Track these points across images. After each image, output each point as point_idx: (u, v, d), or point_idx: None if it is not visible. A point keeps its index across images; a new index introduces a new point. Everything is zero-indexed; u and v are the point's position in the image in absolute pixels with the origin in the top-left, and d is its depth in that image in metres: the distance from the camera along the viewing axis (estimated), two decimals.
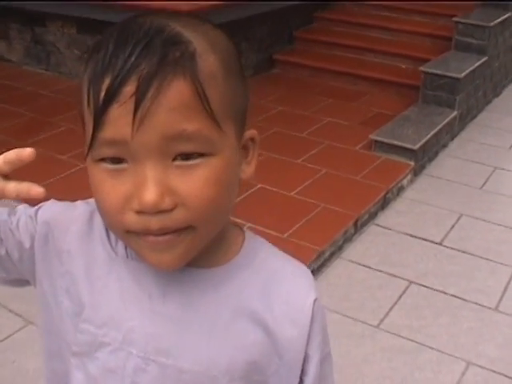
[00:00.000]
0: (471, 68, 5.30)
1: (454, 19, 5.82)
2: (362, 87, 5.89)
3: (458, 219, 4.02)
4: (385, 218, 3.99)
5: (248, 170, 0.84)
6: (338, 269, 3.47)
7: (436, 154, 4.84)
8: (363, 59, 6.22)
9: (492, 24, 5.71)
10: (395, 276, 3.42)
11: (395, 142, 4.43)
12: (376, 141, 4.50)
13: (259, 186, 4.04)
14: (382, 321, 3.09)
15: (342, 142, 4.73)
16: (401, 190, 4.27)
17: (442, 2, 6.83)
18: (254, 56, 6.18)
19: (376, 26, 6.57)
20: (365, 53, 6.27)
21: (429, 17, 6.61)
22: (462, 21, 5.79)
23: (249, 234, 0.91)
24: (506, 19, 6.13)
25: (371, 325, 3.06)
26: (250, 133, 0.84)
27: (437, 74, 5.15)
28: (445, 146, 5.02)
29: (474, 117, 5.73)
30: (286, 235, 3.51)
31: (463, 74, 5.11)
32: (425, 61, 5.54)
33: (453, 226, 3.93)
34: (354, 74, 6.00)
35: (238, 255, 0.88)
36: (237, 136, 0.80)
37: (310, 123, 5.10)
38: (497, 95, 6.37)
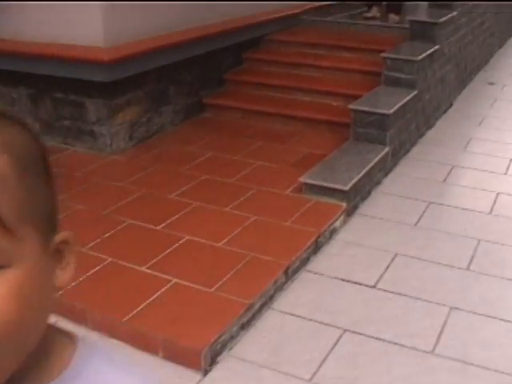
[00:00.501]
0: (401, 103, 5.34)
1: (382, 55, 5.88)
2: (293, 127, 5.89)
3: (393, 259, 3.99)
4: (317, 262, 3.93)
5: (64, 276, 0.75)
6: (268, 321, 3.38)
7: (369, 192, 4.83)
8: (294, 99, 6.24)
9: (420, 58, 5.78)
10: (328, 325, 3.35)
11: (325, 184, 4.40)
12: (306, 183, 4.47)
13: (186, 238, 3.96)
14: (314, 374, 3.00)
15: (272, 186, 4.69)
16: (333, 232, 4.22)
17: (371, 38, 6.94)
18: (184, 100, 6.14)
19: (306, 65, 6.62)
20: (295, 92, 6.28)
21: (358, 52, 6.68)
22: (390, 56, 5.86)
23: (83, 342, 0.82)
24: (434, 52, 6.22)
25: (303, 379, 2.97)
26: (62, 235, 0.74)
27: (366, 112, 5.17)
28: (378, 183, 5.02)
29: (408, 151, 5.77)
30: (213, 289, 3.42)
31: (392, 110, 5.14)
32: (356, 97, 5.57)
33: (387, 267, 3.90)
34: (284, 114, 6.00)
35: (66, 369, 0.78)
36: (42, 242, 0.70)
37: (239, 168, 5.05)
38: (430, 127, 6.44)
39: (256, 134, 5.81)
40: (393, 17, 7.70)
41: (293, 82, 6.39)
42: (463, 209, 4.75)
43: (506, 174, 5.48)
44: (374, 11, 7.81)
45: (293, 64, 6.67)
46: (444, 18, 6.49)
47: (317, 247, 4.01)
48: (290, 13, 7.42)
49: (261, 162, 5.17)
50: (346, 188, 4.34)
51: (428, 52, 6.01)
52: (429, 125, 6.41)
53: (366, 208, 4.66)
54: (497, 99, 7.75)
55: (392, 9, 7.81)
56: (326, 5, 8.11)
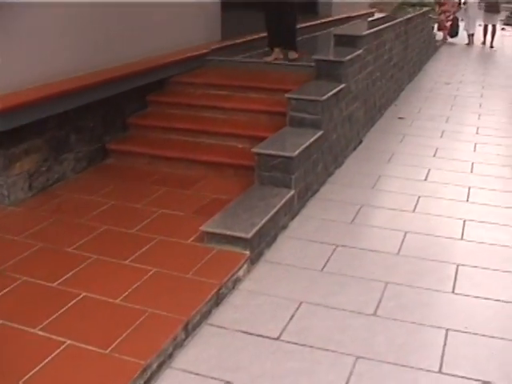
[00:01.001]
0: (305, 145, 5.35)
1: (287, 95, 5.90)
2: (198, 172, 5.82)
3: (298, 308, 3.93)
4: (220, 315, 3.84)
5: None
6: (167, 381, 3.27)
7: (275, 237, 4.79)
8: (199, 142, 6.19)
9: (324, 98, 5.83)
10: (229, 382, 3.25)
11: (227, 232, 4.33)
12: (207, 232, 4.40)
13: (83, 295, 3.82)
14: None
15: (175, 235, 4.60)
16: (237, 282, 4.15)
17: (278, 77, 6.98)
18: (86, 147, 6.02)
19: (211, 106, 6.60)
20: (201, 135, 6.24)
21: (264, 93, 6.71)
22: (295, 96, 5.88)
23: None
24: (340, 90, 6.29)
25: None
26: None
27: (270, 155, 5.15)
28: (284, 227, 4.99)
29: (316, 191, 5.78)
30: (108, 350, 3.28)
31: (297, 153, 5.13)
32: (262, 139, 5.57)
33: (292, 317, 3.84)
34: (189, 158, 5.94)
35: None
36: None
37: (142, 217, 4.94)
38: (339, 166, 6.49)
39: (161, 180, 5.73)
40: (292, 53, 7.61)
41: (198, 125, 6.35)
42: (371, 250, 4.76)
43: (414, 211, 5.54)
44: (276, 53, 7.64)
45: (198, 106, 6.64)
46: (350, 57, 6.59)
47: (219, 299, 3.92)
48: (195, 54, 7.41)
49: (164, 209, 5.07)
50: (249, 236, 4.28)
51: (333, 91, 6.07)
52: (337, 163, 6.45)
53: (271, 254, 4.61)
54: (406, 134, 7.90)
55: (288, 46, 7.68)
56: (231, 44, 8.13)
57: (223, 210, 4.73)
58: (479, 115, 9.32)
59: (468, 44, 18.58)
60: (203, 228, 4.43)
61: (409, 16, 11.08)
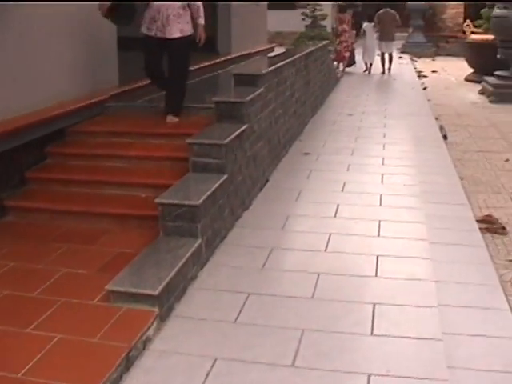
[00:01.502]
0: (210, 191, 5.26)
1: (188, 141, 5.82)
2: (102, 225, 5.64)
3: (213, 365, 3.80)
4: (131, 380, 3.67)
5: None
6: None
7: (184, 290, 4.66)
8: (102, 194, 6.02)
9: (227, 141, 5.78)
10: None
11: (134, 290, 4.19)
12: (113, 291, 4.23)
13: None
14: None
15: (79, 296, 4.40)
16: (147, 342, 4.00)
17: (179, 121, 6.91)
18: None
19: (113, 155, 6.45)
20: (103, 186, 6.07)
21: (166, 138, 6.62)
22: (196, 141, 5.81)
23: None
24: (243, 131, 6.25)
25: None
26: None
27: (174, 204, 5.04)
28: (194, 278, 4.87)
29: (224, 237, 5.69)
30: None
31: (201, 200, 5.04)
32: (166, 187, 5.45)
33: (207, 376, 3.70)
34: (93, 212, 5.76)
35: None
36: None
37: (44, 278, 4.72)
38: (246, 208, 6.43)
39: (63, 237, 5.52)
40: (171, 117, 7.11)
41: (100, 176, 6.19)
42: (284, 296, 4.68)
43: (325, 251, 5.51)
44: (170, 118, 7.12)
45: (99, 156, 6.48)
46: (250, 96, 6.58)
47: (129, 362, 3.76)
48: (93, 101, 7.25)
49: (67, 268, 4.87)
50: (156, 292, 4.14)
51: (236, 133, 6.03)
52: (245, 206, 6.39)
53: (181, 309, 4.47)
54: (312, 170, 7.93)
55: (170, 108, 7.23)
56: (130, 89, 7.99)
57: (129, 266, 4.58)
58: (384, 145, 9.48)
59: (365, 72, 19.19)
60: (108, 287, 4.27)
61: (309, 50, 11.23)
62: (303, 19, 23.45)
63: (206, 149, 5.72)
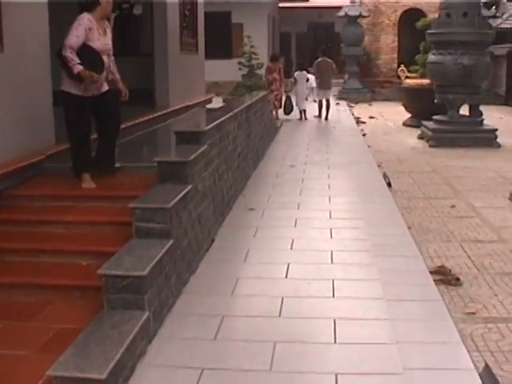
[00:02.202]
0: (156, 259, 5.03)
1: (131, 205, 5.59)
2: (41, 298, 5.30)
3: None
4: None
5: None
6: None
7: (133, 368, 4.38)
8: (40, 263, 5.69)
9: (171, 204, 5.57)
10: None
11: (79, 375, 3.89)
12: (56, 377, 3.94)
13: None
14: None
15: (18, 382, 4.09)
16: None
17: (121, 182, 6.68)
18: None
19: (51, 221, 6.16)
20: (41, 255, 5.75)
21: (107, 201, 6.39)
22: (139, 206, 5.59)
23: None
24: (187, 193, 6.06)
25: None
26: None
27: (118, 276, 4.78)
28: (142, 354, 4.60)
29: (172, 305, 5.44)
30: None
31: (147, 270, 4.80)
32: (108, 254, 5.21)
33: None
34: (30, 283, 5.43)
35: None
36: None
37: None
38: (193, 272, 6.21)
39: None
40: (87, 180, 6.76)
41: (38, 244, 5.88)
42: (240, 370, 4.44)
43: (279, 316, 5.32)
44: (87, 182, 6.75)
45: (37, 222, 6.17)
46: (194, 155, 6.41)
47: None
48: (28, 162, 6.95)
49: (2, 350, 4.52)
50: (103, 376, 3.86)
51: (180, 195, 5.84)
52: (191, 270, 6.17)
53: None
54: (259, 227, 7.77)
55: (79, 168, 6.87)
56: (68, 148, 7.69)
57: (72, 346, 4.27)
58: (329, 197, 9.40)
59: (300, 119, 19.63)
60: (50, 372, 3.96)
61: (249, 103, 11.16)
62: (240, 69, 23.61)
63: (150, 213, 5.50)
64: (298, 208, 8.78)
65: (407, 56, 25.93)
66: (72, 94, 6.63)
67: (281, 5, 37.67)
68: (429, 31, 16.93)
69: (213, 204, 7.29)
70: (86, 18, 6.54)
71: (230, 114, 8.71)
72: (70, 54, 6.37)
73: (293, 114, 19.59)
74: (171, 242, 5.45)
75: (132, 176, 6.95)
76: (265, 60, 21.01)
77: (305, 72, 20.11)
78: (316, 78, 19.85)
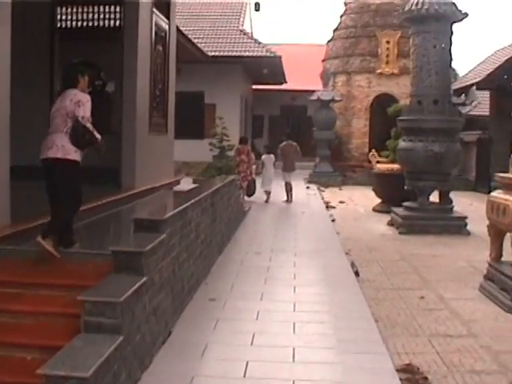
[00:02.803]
0: (103, 358, 4.72)
1: (80, 298, 5.32)
2: None
3: None
4: None
5: None
6: None
7: None
8: None
9: (123, 298, 5.31)
10: None
11: None
12: None
13: None
14: None
15: None
16: None
17: (73, 270, 6.41)
18: None
19: None
20: None
21: (58, 290, 6.11)
22: (90, 299, 5.31)
23: None
24: (141, 285, 5.80)
25: None
26: None
27: (60, 376, 4.46)
28: None
29: None
30: None
31: (91, 371, 4.48)
32: (55, 348, 4.91)
33: None
34: None
35: None
36: None
37: None
38: (146, 368, 5.88)
39: None
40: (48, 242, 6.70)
41: None
42: None
43: None
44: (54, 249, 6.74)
45: None
46: (151, 245, 6.17)
47: None
48: None
49: None
50: None
51: (134, 288, 5.57)
52: (144, 366, 5.84)
53: None
54: (219, 319, 7.48)
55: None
56: (24, 229, 7.39)
57: None
58: (294, 288, 9.15)
59: (266, 201, 20.06)
60: None
61: (216, 187, 10.98)
62: (211, 149, 23.58)
63: (100, 307, 5.22)
64: (261, 299, 8.49)
65: (378, 141, 26.15)
66: (78, 162, 7.00)
67: (255, 87, 38.20)
68: (400, 118, 17.08)
69: (171, 294, 7.01)
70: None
71: (193, 200, 8.49)
72: (91, 126, 6.93)
73: (257, 195, 19.96)
74: (121, 338, 5.16)
75: (87, 263, 6.66)
76: (236, 142, 21.06)
77: (272, 155, 20.79)
78: (282, 161, 20.84)
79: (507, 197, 8.97)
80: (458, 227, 15.41)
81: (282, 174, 20.77)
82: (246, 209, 17.28)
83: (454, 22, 16.12)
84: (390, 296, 9.34)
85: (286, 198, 20.54)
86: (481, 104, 33.55)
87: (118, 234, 7.08)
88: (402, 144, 16.56)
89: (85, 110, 6.90)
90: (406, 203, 16.21)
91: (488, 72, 27.15)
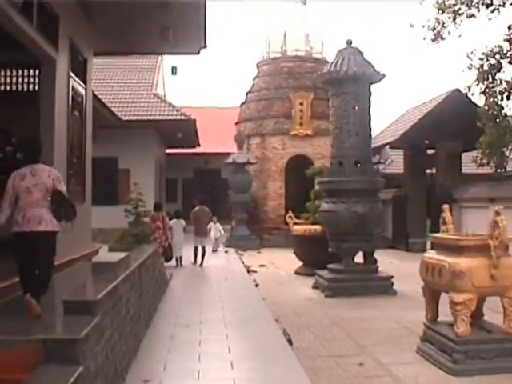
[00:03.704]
0: None
1: None
2: None
3: None
4: None
5: None
6: None
7: None
8: None
9: None
10: None
11: None
12: None
13: None
14: None
15: None
16: None
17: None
18: None
19: None
20: None
21: None
22: None
23: None
24: (79, 376, 5.24)
25: None
26: None
27: None
28: None
29: None
30: None
31: None
32: None
33: None
34: None
35: None
36: None
37: None
38: None
39: None
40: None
41: None
42: None
43: None
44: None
45: None
46: (86, 330, 5.63)
47: None
48: None
49: None
50: None
51: (71, 381, 5.00)
52: None
53: None
54: None
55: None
56: None
57: None
58: (231, 363, 8.61)
59: (176, 266, 20.09)
60: None
61: (142, 260, 10.45)
62: (126, 216, 22.99)
63: None
64: (199, 378, 7.92)
65: (295, 202, 26.11)
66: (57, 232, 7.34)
67: (168, 151, 37.85)
68: (321, 179, 17.01)
69: (105, 381, 6.42)
70: None
71: (123, 275, 7.95)
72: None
73: (173, 261, 20.06)
74: None
75: (9, 352, 5.98)
76: (151, 207, 20.65)
77: (182, 220, 20.86)
78: (194, 225, 21.11)
79: (442, 257, 8.84)
80: (384, 287, 15.32)
81: (194, 238, 20.99)
82: (168, 277, 16.72)
83: (372, 83, 16.26)
84: (327, 365, 8.99)
85: (194, 260, 20.85)
86: (393, 162, 34.21)
87: (44, 316, 6.44)
88: (324, 206, 16.42)
89: (63, 186, 7.39)
90: (330, 265, 16.01)
91: (403, 131, 27.64)
